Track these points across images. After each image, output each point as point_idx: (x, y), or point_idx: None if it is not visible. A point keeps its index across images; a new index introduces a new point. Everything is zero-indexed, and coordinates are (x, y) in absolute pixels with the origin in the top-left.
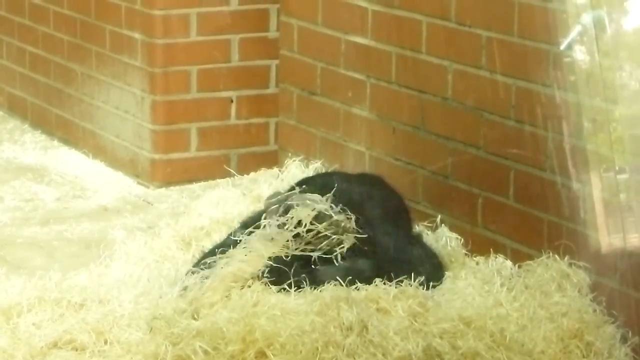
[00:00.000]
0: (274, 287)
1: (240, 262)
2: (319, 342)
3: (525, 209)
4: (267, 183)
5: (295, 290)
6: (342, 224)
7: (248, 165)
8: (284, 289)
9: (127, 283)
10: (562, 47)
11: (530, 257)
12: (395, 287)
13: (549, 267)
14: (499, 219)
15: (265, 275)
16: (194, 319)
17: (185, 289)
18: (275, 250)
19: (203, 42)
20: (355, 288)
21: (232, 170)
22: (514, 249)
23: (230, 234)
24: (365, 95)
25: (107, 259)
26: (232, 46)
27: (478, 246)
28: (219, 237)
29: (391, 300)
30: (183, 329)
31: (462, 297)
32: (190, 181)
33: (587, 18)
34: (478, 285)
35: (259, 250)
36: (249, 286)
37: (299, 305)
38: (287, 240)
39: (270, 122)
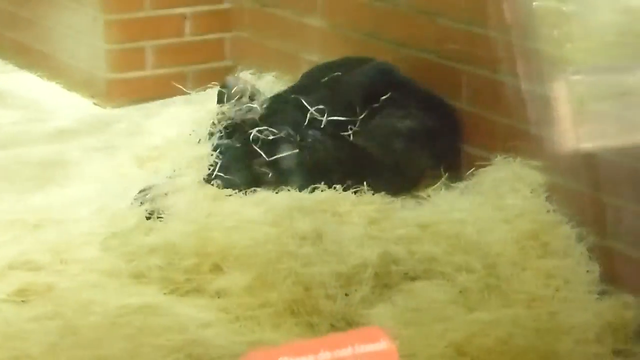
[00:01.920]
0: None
1: None
2: (273, 253)
3: (478, 111)
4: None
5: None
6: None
7: (204, 81)
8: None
9: (83, 202)
10: None
11: (484, 160)
12: (353, 193)
13: (502, 169)
14: None
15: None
16: (147, 235)
17: (140, 205)
18: None
19: None
20: (313, 191)
21: (184, 89)
22: (467, 152)
23: None
24: (316, 4)
25: (64, 180)
26: None
27: None
28: (172, 155)
29: (348, 207)
30: (137, 246)
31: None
32: (146, 100)
33: None
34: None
35: None
36: None
37: (253, 215)
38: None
39: (225, 37)
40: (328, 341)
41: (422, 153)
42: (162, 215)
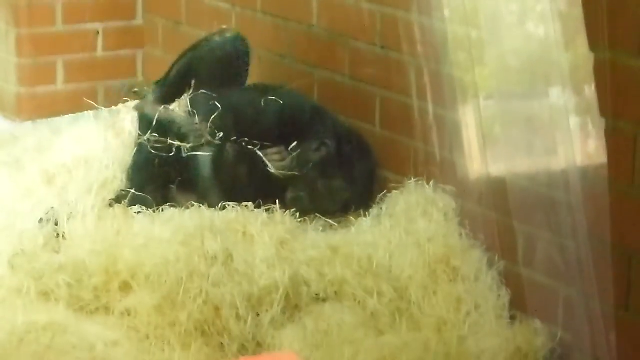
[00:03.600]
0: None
1: None
2: (183, 272)
3: (391, 135)
4: (130, 115)
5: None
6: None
7: (115, 97)
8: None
9: None
10: None
11: (397, 184)
12: (265, 213)
13: (414, 193)
14: None
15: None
16: (56, 252)
17: (47, 223)
18: None
19: None
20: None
21: (95, 104)
22: (380, 175)
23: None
24: (231, 24)
25: None
26: None
27: None
28: (81, 173)
29: (259, 227)
30: (45, 264)
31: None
32: (57, 114)
33: None
34: None
35: None
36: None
37: (163, 234)
38: None
39: (137, 54)
40: None
41: (335, 181)
42: (65, 238)
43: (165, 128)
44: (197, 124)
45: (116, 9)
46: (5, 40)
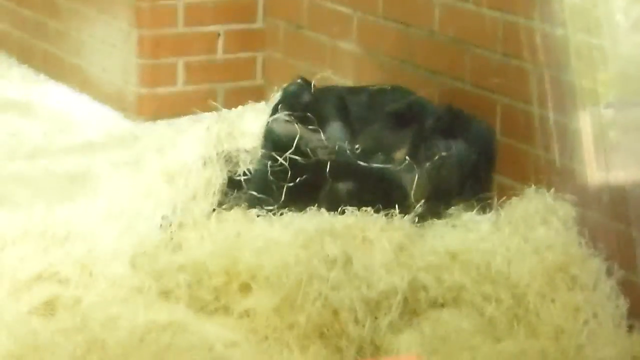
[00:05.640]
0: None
1: None
2: (303, 275)
3: (511, 142)
4: (253, 117)
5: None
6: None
7: (234, 99)
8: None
9: (112, 217)
10: None
11: (516, 191)
12: (384, 216)
13: (534, 200)
14: None
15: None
16: (176, 254)
17: (167, 225)
18: None
19: None
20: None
21: (218, 105)
22: (499, 182)
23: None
24: (351, 29)
25: (92, 193)
26: None
27: None
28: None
29: (377, 232)
30: (166, 264)
31: (447, 231)
32: (176, 115)
33: None
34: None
35: None
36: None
37: (282, 237)
38: None
39: (257, 57)
40: None
41: (458, 181)
42: (180, 241)
43: (290, 143)
44: (323, 140)
45: (237, 11)
46: (128, 41)
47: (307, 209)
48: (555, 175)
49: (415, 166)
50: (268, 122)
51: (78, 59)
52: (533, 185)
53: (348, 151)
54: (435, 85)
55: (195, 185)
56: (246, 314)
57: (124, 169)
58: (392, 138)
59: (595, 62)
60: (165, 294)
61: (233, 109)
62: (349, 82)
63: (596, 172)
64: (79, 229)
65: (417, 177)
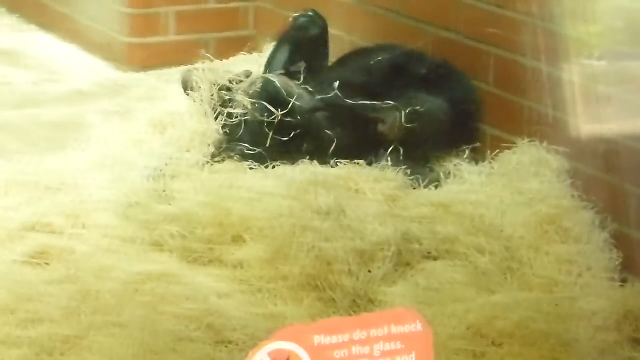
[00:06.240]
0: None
1: None
2: (296, 226)
3: (504, 94)
4: (245, 68)
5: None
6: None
7: (226, 50)
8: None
9: (103, 167)
10: None
11: (509, 143)
12: (377, 170)
13: (527, 153)
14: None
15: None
16: (169, 204)
17: (159, 173)
18: None
19: None
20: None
21: (209, 55)
22: (493, 135)
23: None
24: None
25: (83, 143)
26: None
27: None
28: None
29: (370, 183)
30: (158, 214)
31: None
32: (167, 65)
33: None
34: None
35: None
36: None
37: (275, 189)
38: None
39: (249, 7)
40: (362, 320)
41: (447, 133)
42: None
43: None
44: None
45: None
46: None
47: (300, 161)
48: (549, 128)
49: (396, 109)
50: (265, 74)
51: (68, 9)
52: (526, 138)
53: (337, 92)
54: (428, 36)
55: (187, 136)
56: (240, 265)
57: (114, 118)
58: (381, 88)
59: (587, 14)
60: (158, 245)
61: (224, 60)
62: (341, 32)
63: (589, 124)
64: (66, 180)
65: (397, 116)
